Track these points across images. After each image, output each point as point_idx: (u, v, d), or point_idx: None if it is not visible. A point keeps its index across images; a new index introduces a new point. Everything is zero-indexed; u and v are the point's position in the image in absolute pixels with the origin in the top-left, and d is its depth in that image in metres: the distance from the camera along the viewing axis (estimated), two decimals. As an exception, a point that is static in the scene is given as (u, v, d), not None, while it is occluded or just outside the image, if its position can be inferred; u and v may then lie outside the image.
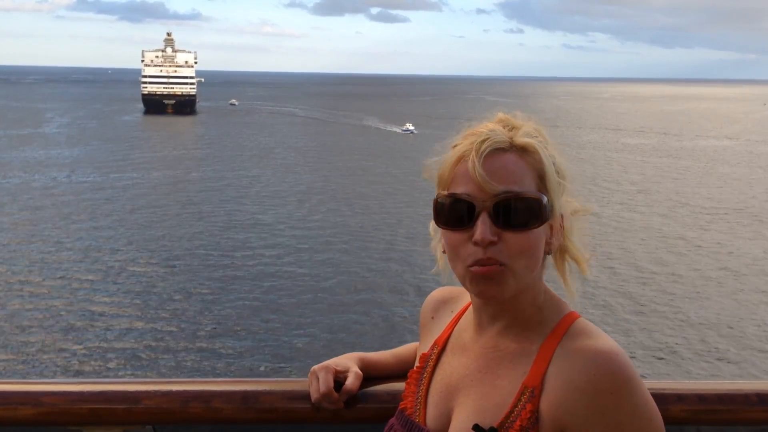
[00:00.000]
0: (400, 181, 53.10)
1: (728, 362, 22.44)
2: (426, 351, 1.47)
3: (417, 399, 1.41)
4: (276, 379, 1.68)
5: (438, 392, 1.38)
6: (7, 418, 1.57)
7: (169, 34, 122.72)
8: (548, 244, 1.30)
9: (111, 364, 21.59)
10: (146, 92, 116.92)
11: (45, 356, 22.04)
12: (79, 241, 35.25)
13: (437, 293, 1.57)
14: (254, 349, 22.89)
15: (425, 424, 1.36)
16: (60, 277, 29.55)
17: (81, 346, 22.83)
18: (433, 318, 1.54)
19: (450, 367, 1.39)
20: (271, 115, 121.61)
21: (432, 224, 1.35)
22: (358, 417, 1.57)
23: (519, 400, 1.24)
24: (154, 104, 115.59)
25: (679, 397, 1.54)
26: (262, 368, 21.18)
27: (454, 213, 1.27)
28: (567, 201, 1.33)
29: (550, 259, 1.34)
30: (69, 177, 53.95)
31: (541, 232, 1.27)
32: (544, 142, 1.31)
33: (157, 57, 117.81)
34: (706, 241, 37.57)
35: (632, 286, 29.65)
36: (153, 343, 23.20)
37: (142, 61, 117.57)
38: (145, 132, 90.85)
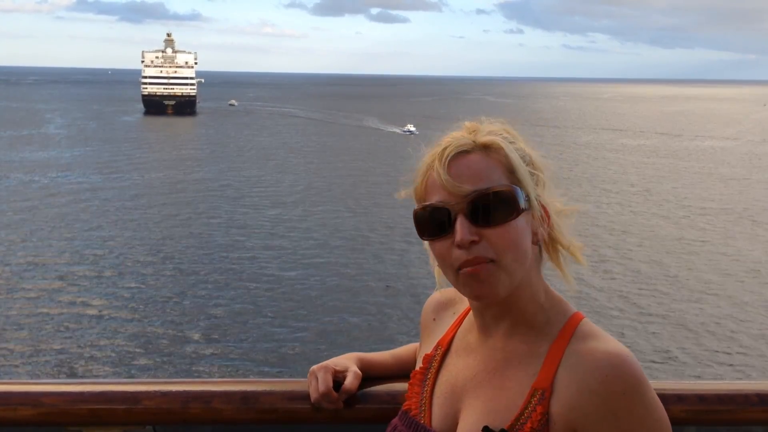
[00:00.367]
0: (404, 183, 53.03)
1: (729, 365, 22.44)
2: (429, 352, 1.47)
3: (421, 400, 1.40)
4: (275, 379, 1.68)
5: (443, 393, 1.37)
6: (7, 418, 1.57)
7: (169, 35, 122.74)
8: (534, 234, 1.29)
9: (111, 365, 21.59)
10: (146, 93, 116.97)
11: (45, 357, 22.04)
12: (79, 242, 35.25)
13: (439, 295, 1.56)
14: (254, 349, 22.89)
15: (431, 426, 1.36)
16: (60, 278, 29.55)
17: (81, 347, 22.83)
18: (434, 319, 1.53)
19: (455, 369, 1.39)
20: (271, 116, 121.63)
21: (425, 244, 1.36)
22: (358, 417, 1.57)
23: (529, 402, 1.23)
24: (155, 105, 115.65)
25: (680, 398, 1.54)
26: (261, 369, 21.18)
27: (432, 222, 1.28)
28: (549, 194, 1.33)
29: (545, 255, 1.35)
30: (69, 178, 53.95)
31: (522, 224, 1.27)
32: (510, 138, 1.32)
33: (157, 58, 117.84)
34: (706, 242, 37.56)
35: (631, 287, 29.64)
36: (153, 344, 23.20)
37: (142, 61, 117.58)
38: (145, 133, 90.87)
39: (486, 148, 1.28)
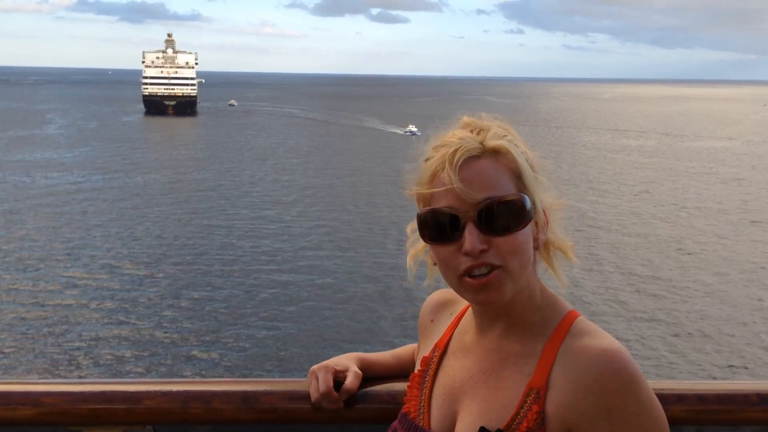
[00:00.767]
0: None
1: (729, 365, 22.44)
2: (427, 354, 1.47)
3: (420, 403, 1.40)
4: (276, 379, 1.68)
5: (441, 395, 1.38)
6: (7, 418, 1.57)
7: (169, 35, 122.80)
8: (535, 239, 1.30)
9: (111, 365, 21.59)
10: (147, 93, 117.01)
11: (45, 357, 22.04)
12: (79, 242, 35.25)
13: (436, 296, 1.56)
14: (254, 349, 22.89)
15: (430, 428, 1.36)
16: (60, 278, 29.55)
17: (80, 347, 22.83)
18: (432, 321, 1.53)
19: (453, 370, 1.39)
20: (271, 116, 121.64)
21: (408, 230, 1.38)
22: (358, 417, 1.57)
23: (525, 401, 1.24)
24: (155, 105, 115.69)
25: (679, 398, 1.54)
26: (261, 369, 21.17)
27: (439, 227, 1.27)
28: (544, 193, 1.33)
29: (538, 256, 1.35)
30: (69, 178, 53.95)
31: (528, 231, 1.27)
32: (514, 140, 1.31)
33: (157, 58, 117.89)
34: (706, 243, 37.55)
35: (630, 288, 29.63)
36: (153, 344, 23.21)
37: (143, 62, 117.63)
38: (146, 133, 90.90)
39: (495, 153, 1.27)
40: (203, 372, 21.01)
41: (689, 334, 24.70)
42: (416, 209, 1.34)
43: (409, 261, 1.42)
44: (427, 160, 1.32)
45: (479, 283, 1.24)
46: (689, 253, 35.19)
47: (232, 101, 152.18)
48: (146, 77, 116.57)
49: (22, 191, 47.80)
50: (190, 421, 1.60)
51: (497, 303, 1.28)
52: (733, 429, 1.60)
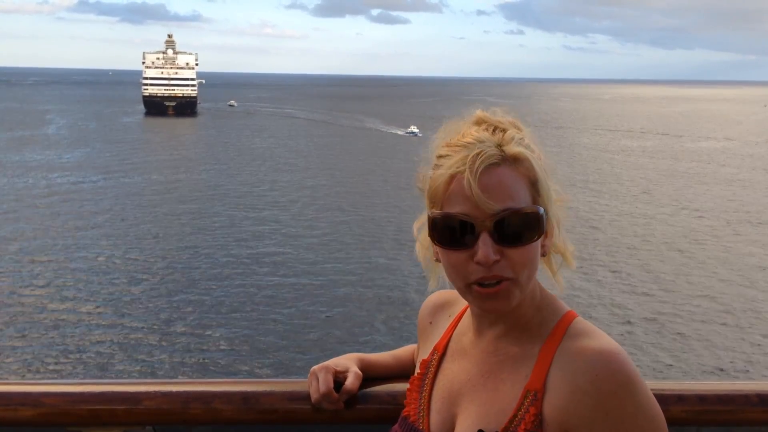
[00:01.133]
0: (406, 185, 53.07)
1: (729, 364, 22.43)
2: (426, 357, 1.46)
3: (420, 406, 1.40)
4: (276, 379, 1.67)
5: (440, 398, 1.37)
6: (8, 418, 1.57)
7: (170, 36, 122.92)
8: (543, 246, 1.29)
9: (111, 365, 21.59)
10: (147, 94, 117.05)
11: (45, 357, 22.04)
12: (79, 243, 35.26)
13: (434, 297, 1.56)
14: (254, 349, 22.89)
15: (429, 431, 1.35)
16: (60, 279, 29.56)
17: (80, 347, 22.83)
18: (431, 323, 1.53)
19: (451, 373, 1.38)
20: (272, 117, 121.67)
21: (415, 227, 1.37)
22: (359, 417, 1.57)
23: (522, 404, 1.23)
24: (155, 106, 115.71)
25: (680, 398, 1.54)
26: (262, 369, 21.17)
27: (452, 233, 1.25)
28: (555, 201, 1.31)
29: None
30: (69, 179, 53.97)
31: (539, 241, 1.27)
32: (529, 145, 1.30)
33: (158, 59, 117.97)
34: (706, 244, 37.54)
35: (630, 289, 29.63)
36: (153, 344, 23.21)
37: (143, 62, 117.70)
38: (146, 134, 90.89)
39: (514, 161, 1.25)
40: (203, 372, 21.01)
41: (689, 334, 24.69)
42: (420, 202, 1.33)
43: (419, 255, 1.39)
44: (441, 156, 1.29)
45: (488, 292, 1.24)
46: (689, 254, 35.18)
47: (232, 102, 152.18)
48: (146, 78, 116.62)
49: (22, 192, 47.79)
50: (190, 422, 1.60)
51: (503, 311, 1.28)
52: (734, 429, 1.60)
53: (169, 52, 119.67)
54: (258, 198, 47.87)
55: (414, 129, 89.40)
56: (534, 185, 1.26)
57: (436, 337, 1.48)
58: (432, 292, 1.50)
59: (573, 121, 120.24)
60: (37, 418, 1.57)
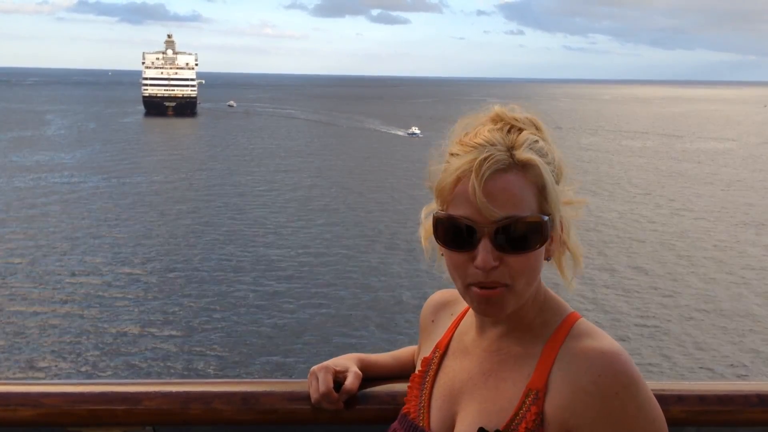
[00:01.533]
0: (409, 186, 53.11)
1: (729, 365, 22.44)
2: (427, 355, 1.47)
3: (420, 403, 1.40)
4: (276, 380, 1.67)
5: (441, 396, 1.38)
6: (7, 419, 1.57)
7: (169, 36, 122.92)
8: (548, 251, 1.28)
9: (111, 365, 21.59)
10: (147, 94, 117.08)
11: (45, 357, 22.04)
12: (79, 244, 35.26)
13: (437, 296, 1.56)
14: (254, 350, 22.90)
15: (429, 429, 1.36)
16: (60, 279, 29.56)
17: (81, 348, 22.84)
18: (433, 321, 1.53)
19: (452, 371, 1.39)
20: (272, 117, 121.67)
21: (423, 212, 1.35)
22: (358, 418, 1.57)
23: (523, 402, 1.23)
24: (155, 106, 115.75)
25: (680, 398, 1.55)
26: (261, 369, 21.17)
27: (454, 235, 1.25)
28: (565, 202, 1.30)
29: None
30: (68, 179, 53.96)
31: (542, 249, 1.26)
32: (544, 147, 1.28)
33: (157, 59, 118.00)
34: (706, 244, 37.55)
35: (630, 289, 29.64)
36: (153, 345, 23.21)
37: (143, 63, 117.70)
38: (146, 134, 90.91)
39: (523, 167, 1.23)
40: (203, 373, 21.01)
41: (688, 336, 24.70)
42: (425, 190, 1.33)
43: (423, 242, 1.37)
44: (453, 155, 1.28)
45: (484, 294, 1.24)
46: (689, 254, 35.18)
47: (231, 102, 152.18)
48: (146, 78, 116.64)
49: (22, 192, 47.79)
50: (189, 422, 1.60)
51: (497, 317, 1.29)
52: (733, 429, 1.60)
53: (169, 52, 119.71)
54: (257, 199, 47.87)
55: (415, 130, 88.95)
56: (542, 191, 1.24)
57: (438, 335, 1.49)
58: (435, 267, 1.50)
59: (573, 121, 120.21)
60: (37, 419, 1.57)
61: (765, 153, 79.34)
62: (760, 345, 24.09)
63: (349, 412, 1.56)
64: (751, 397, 1.57)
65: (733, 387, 1.60)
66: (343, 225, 40.20)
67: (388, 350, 1.73)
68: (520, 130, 1.28)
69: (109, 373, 21.00)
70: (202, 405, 1.58)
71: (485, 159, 1.22)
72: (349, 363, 1.60)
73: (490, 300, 1.24)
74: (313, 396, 1.54)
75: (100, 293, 28.03)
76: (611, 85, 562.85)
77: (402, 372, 1.62)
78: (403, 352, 1.70)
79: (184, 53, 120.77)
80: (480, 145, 1.25)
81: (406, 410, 1.42)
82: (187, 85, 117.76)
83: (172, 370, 21.11)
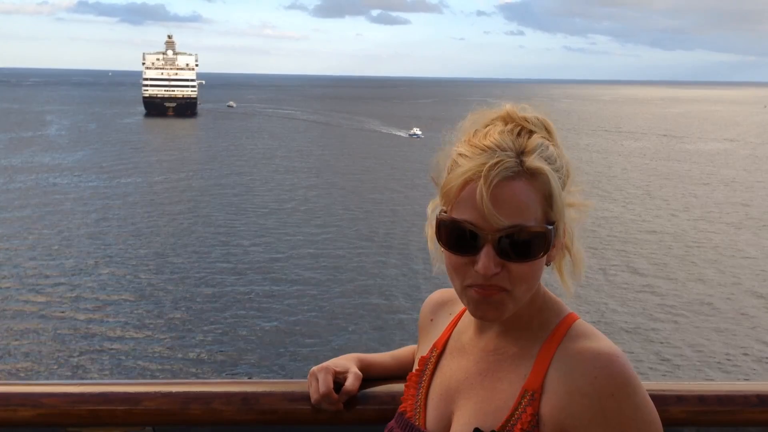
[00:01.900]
0: (406, 188, 53.11)
1: (729, 365, 22.43)
2: (425, 354, 1.46)
3: (416, 402, 1.40)
4: (276, 380, 1.67)
5: (438, 395, 1.37)
6: (7, 419, 1.57)
7: (170, 37, 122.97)
8: (549, 257, 1.27)
9: (111, 366, 21.59)
10: (147, 95, 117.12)
11: (45, 358, 22.04)
12: (79, 244, 35.27)
13: (436, 295, 1.56)
14: (254, 350, 22.90)
15: (425, 427, 1.36)
16: (60, 280, 29.56)
17: (81, 348, 22.84)
18: (432, 320, 1.53)
19: (449, 370, 1.38)
20: (272, 118, 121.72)
21: (429, 208, 1.34)
22: (358, 418, 1.57)
23: (519, 403, 1.23)
24: (155, 107, 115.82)
25: (679, 398, 1.54)
26: (261, 370, 21.17)
27: (457, 238, 1.24)
28: (569, 204, 1.28)
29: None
30: (68, 180, 53.98)
31: (543, 257, 1.25)
32: (551, 155, 1.26)
33: (158, 60, 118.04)
34: (707, 245, 37.56)
35: (630, 290, 29.64)
36: (153, 345, 23.21)
37: (143, 63, 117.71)
38: (146, 135, 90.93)
39: (531, 175, 1.21)
40: (203, 373, 21.01)
41: (689, 336, 24.69)
42: (426, 184, 1.31)
43: (429, 244, 1.35)
44: (461, 155, 1.26)
45: (482, 295, 1.23)
46: (689, 254, 35.19)
47: (231, 102, 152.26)
48: (146, 79, 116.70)
49: (22, 193, 47.80)
50: (189, 423, 1.60)
51: (494, 320, 1.29)
52: (733, 430, 1.60)
53: (169, 53, 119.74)
54: (257, 199, 47.88)
55: (417, 131, 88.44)
56: (548, 200, 1.23)
57: (436, 334, 1.48)
58: (432, 280, 1.49)
59: (573, 122, 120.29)
60: (37, 419, 1.57)
61: (765, 153, 79.35)
62: (759, 345, 24.09)
63: (349, 412, 1.56)
64: (751, 397, 1.56)
65: (733, 387, 1.60)
66: (344, 225, 40.20)
67: (386, 350, 1.73)
68: (530, 132, 1.27)
69: (109, 373, 21.00)
70: (202, 405, 1.58)
71: (495, 165, 1.20)
72: (348, 363, 1.59)
73: (488, 300, 1.24)
74: (313, 396, 1.54)
75: (99, 293, 28.04)
76: (611, 85, 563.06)
77: (402, 372, 1.62)
78: (403, 351, 1.70)
79: (184, 54, 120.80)
80: (489, 148, 1.23)
81: (402, 409, 1.42)
82: (187, 86, 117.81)
83: (171, 371, 21.11)
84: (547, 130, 1.29)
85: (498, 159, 1.21)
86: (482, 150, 1.23)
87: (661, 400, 1.26)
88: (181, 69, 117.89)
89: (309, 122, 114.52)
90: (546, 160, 1.23)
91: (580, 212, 1.31)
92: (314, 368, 1.58)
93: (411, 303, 26.35)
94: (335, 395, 1.53)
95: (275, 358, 22.27)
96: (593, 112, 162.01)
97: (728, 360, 22.82)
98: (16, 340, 23.39)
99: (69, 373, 20.76)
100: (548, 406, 1.21)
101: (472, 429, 1.25)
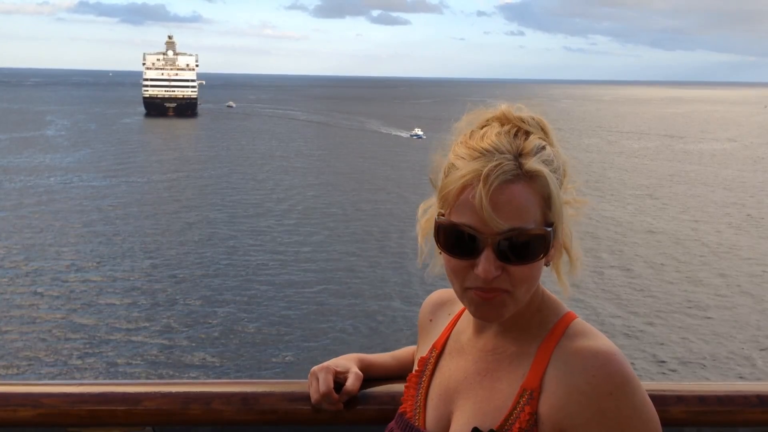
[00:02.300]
0: (405, 190, 53.11)
1: (728, 365, 22.43)
2: (424, 355, 1.47)
3: (416, 403, 1.41)
4: (276, 380, 1.68)
5: (437, 396, 1.38)
6: (7, 419, 1.57)
7: (170, 37, 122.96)
8: (548, 257, 1.27)
9: (111, 366, 21.59)
10: (147, 95, 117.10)
11: (45, 358, 22.04)
12: (79, 245, 35.26)
13: (435, 296, 1.56)
14: (254, 350, 22.90)
15: (425, 428, 1.36)
16: (60, 280, 29.55)
17: (81, 348, 22.84)
18: (431, 321, 1.53)
19: (448, 371, 1.39)
20: (272, 118, 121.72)
21: (420, 208, 1.34)
22: (358, 418, 1.57)
23: (518, 402, 1.23)
24: (156, 107, 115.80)
25: (679, 399, 1.55)
26: (261, 370, 21.17)
27: (456, 242, 1.24)
28: (566, 202, 1.29)
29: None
30: (68, 180, 53.98)
31: (542, 259, 1.26)
32: (549, 157, 1.26)
33: (158, 60, 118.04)
34: (707, 245, 37.54)
35: (631, 290, 29.63)
36: (153, 345, 23.21)
37: (144, 63, 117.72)
38: (146, 135, 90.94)
39: (530, 178, 1.21)
40: (203, 373, 21.01)
41: (688, 336, 24.69)
42: (427, 185, 1.32)
43: (420, 241, 1.35)
44: (458, 157, 1.26)
45: (483, 298, 1.24)
46: (689, 256, 35.18)
47: (230, 103, 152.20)
48: (147, 79, 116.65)
49: (22, 194, 47.80)
50: (189, 423, 1.60)
51: (495, 321, 1.29)
52: (733, 430, 1.61)
53: (170, 53, 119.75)
54: (259, 200, 47.87)
55: (418, 132, 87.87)
56: (546, 201, 1.23)
57: (435, 335, 1.49)
58: (426, 273, 1.49)
59: (573, 122, 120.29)
60: (37, 419, 1.57)
61: (766, 154, 79.34)
62: (758, 345, 24.08)
63: (349, 412, 1.56)
64: (750, 397, 1.57)
65: (733, 387, 1.60)
66: (345, 225, 40.19)
67: (387, 351, 1.73)
68: (527, 133, 1.27)
69: (108, 373, 21.01)
70: (201, 405, 1.58)
71: (494, 168, 1.20)
72: (349, 363, 1.60)
73: (489, 303, 1.24)
74: (314, 396, 1.54)
75: (99, 293, 28.03)
76: (611, 85, 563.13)
77: (402, 372, 1.62)
78: (403, 352, 1.70)
79: (184, 54, 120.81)
80: (487, 151, 1.23)
81: (402, 410, 1.42)
82: (187, 86, 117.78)
83: (171, 371, 21.11)
84: (543, 130, 1.29)
85: (497, 162, 1.20)
86: (480, 153, 1.23)
87: (661, 400, 1.27)
88: (182, 69, 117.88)
89: (309, 122, 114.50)
90: (544, 162, 1.23)
91: (576, 209, 1.32)
92: (315, 368, 1.58)
93: (413, 303, 26.34)
94: (336, 395, 1.53)
95: (275, 358, 22.27)
96: (593, 112, 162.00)
97: (727, 360, 22.81)
98: (16, 340, 23.39)
99: (69, 373, 20.76)
100: (546, 405, 1.21)
101: (471, 428, 1.25)
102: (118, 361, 22.03)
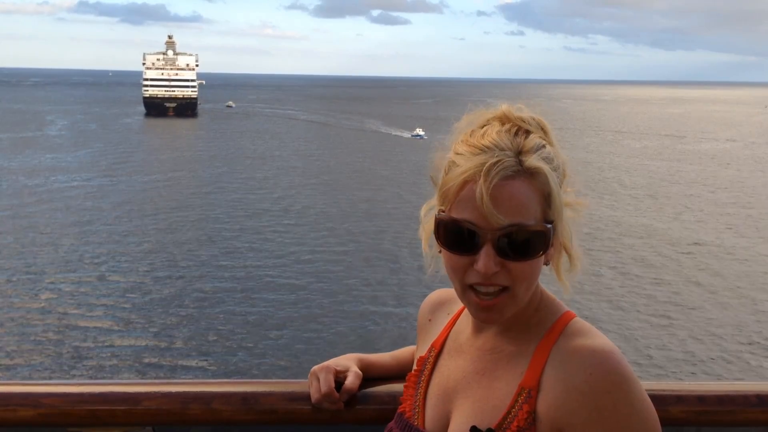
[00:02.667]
0: (411, 190, 53.12)
1: (728, 365, 22.43)
2: (423, 354, 1.47)
3: (415, 402, 1.41)
4: (276, 380, 1.68)
5: (436, 395, 1.38)
6: (7, 419, 1.57)
7: (170, 37, 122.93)
8: (547, 256, 1.28)
9: (111, 366, 21.59)
10: (147, 95, 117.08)
11: (45, 357, 22.04)
12: (79, 244, 35.26)
13: (434, 295, 1.57)
14: (254, 350, 22.90)
15: (424, 427, 1.36)
16: (60, 279, 29.56)
17: (81, 348, 22.84)
18: (430, 320, 1.54)
19: (447, 370, 1.39)
20: (272, 118, 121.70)
21: (422, 210, 1.35)
22: (358, 418, 1.57)
23: (516, 401, 1.24)
24: (156, 107, 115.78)
25: (679, 398, 1.55)
26: (262, 370, 21.17)
27: (456, 238, 1.24)
28: (566, 203, 1.29)
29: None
30: (69, 180, 53.98)
31: (543, 255, 1.26)
32: (549, 155, 1.27)
33: (158, 60, 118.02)
34: (708, 245, 37.54)
35: (631, 290, 29.63)
36: (153, 345, 23.22)
37: (144, 64, 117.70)
38: (146, 135, 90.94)
39: (530, 175, 1.22)
40: (203, 373, 21.01)
41: (687, 336, 24.69)
42: (430, 187, 1.32)
43: (424, 246, 1.36)
44: (459, 154, 1.27)
45: (484, 304, 1.25)
46: (689, 255, 35.17)
47: (230, 103, 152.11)
48: (147, 79, 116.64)
49: (22, 194, 47.80)
50: (189, 422, 1.60)
51: (495, 322, 1.30)
52: (733, 430, 1.61)
53: (170, 53, 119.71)
54: (259, 200, 47.87)
55: (420, 132, 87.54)
56: (546, 199, 1.24)
57: (434, 334, 1.49)
58: (429, 282, 1.50)
59: (573, 122, 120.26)
60: (37, 419, 1.57)
61: (766, 154, 79.34)
62: (757, 346, 24.08)
63: (349, 412, 1.56)
64: (750, 397, 1.57)
65: (733, 387, 1.60)
66: (345, 225, 40.18)
67: (385, 351, 1.74)
68: (527, 132, 1.28)
69: (109, 373, 21.01)
70: (201, 405, 1.58)
71: (494, 164, 1.21)
72: (349, 363, 1.60)
73: (491, 308, 1.25)
74: (314, 396, 1.55)
75: (99, 293, 28.04)
76: (611, 85, 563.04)
77: (402, 372, 1.62)
78: (403, 351, 1.71)
79: (184, 54, 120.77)
80: (488, 147, 1.24)
81: (401, 409, 1.43)
82: (187, 86, 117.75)
83: (171, 371, 21.11)
84: (543, 130, 1.30)
85: (497, 158, 1.22)
86: (481, 149, 1.24)
87: (660, 400, 1.26)
88: (182, 69, 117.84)
89: (309, 122, 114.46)
90: (544, 160, 1.25)
91: (576, 211, 1.32)
92: (315, 368, 1.58)
93: (413, 303, 26.35)
94: (336, 394, 1.53)
95: (275, 358, 22.28)
96: (593, 112, 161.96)
97: (727, 360, 22.81)
98: (16, 340, 23.39)
99: (69, 373, 20.76)
100: (545, 403, 1.21)
101: (469, 427, 1.25)
102: (118, 361, 22.03)
